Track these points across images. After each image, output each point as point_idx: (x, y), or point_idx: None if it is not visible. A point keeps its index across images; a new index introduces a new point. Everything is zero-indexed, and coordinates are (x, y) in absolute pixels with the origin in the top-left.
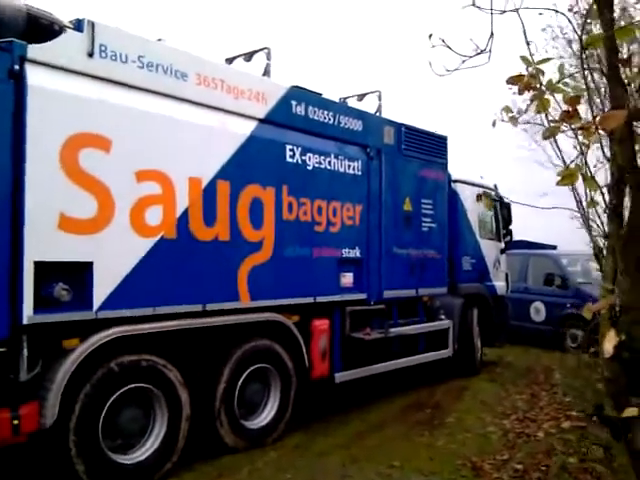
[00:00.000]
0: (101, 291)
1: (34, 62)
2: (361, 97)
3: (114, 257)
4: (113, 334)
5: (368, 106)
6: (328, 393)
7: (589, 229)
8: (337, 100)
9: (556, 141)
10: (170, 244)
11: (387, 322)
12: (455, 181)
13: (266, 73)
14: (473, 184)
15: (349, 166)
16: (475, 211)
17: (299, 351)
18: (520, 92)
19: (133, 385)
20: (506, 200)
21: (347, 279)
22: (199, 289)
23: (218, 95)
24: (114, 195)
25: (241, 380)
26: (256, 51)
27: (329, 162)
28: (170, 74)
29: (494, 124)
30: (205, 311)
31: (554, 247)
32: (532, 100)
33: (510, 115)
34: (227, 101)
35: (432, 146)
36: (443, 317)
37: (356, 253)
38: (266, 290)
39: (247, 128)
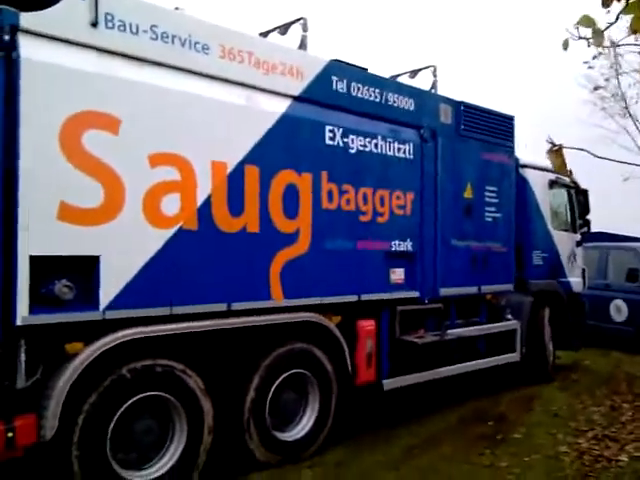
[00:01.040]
0: (109, 289)
1: (28, 32)
2: (414, 74)
3: (125, 250)
4: (123, 337)
5: (422, 84)
6: (375, 402)
7: None
8: (385, 77)
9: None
10: (190, 236)
11: (444, 323)
12: (524, 166)
13: (302, 46)
14: (544, 169)
15: (399, 149)
16: (547, 199)
17: (341, 355)
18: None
19: (147, 393)
20: (583, 187)
21: (397, 275)
22: (224, 286)
23: (246, 70)
24: (124, 181)
25: (274, 387)
26: (292, 22)
27: (376, 145)
28: (189, 46)
29: (566, 46)
30: (230, 311)
31: (638, 239)
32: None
33: (595, 29)
34: (256, 76)
35: (496, 127)
36: (510, 317)
37: (407, 246)
38: (303, 287)
39: (280, 106)
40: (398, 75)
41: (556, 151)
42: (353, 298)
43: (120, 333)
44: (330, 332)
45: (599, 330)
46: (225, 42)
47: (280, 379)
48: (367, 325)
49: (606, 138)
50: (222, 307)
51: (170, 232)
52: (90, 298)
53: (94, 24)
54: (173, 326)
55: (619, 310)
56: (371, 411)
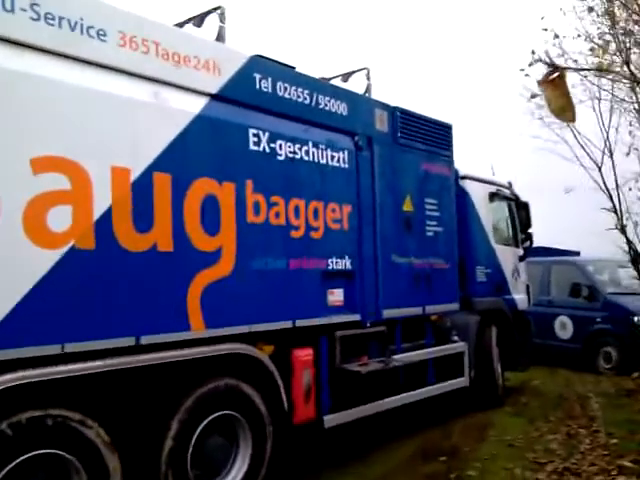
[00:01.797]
0: None
1: None
2: (346, 77)
3: (0, 276)
4: (0, 384)
5: (355, 88)
6: (316, 440)
7: (623, 230)
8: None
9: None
10: (85, 256)
11: (388, 348)
12: (463, 177)
13: (220, 38)
14: (484, 181)
15: (333, 157)
16: (488, 212)
17: (276, 391)
18: None
19: (36, 452)
20: (523, 199)
21: (335, 297)
22: (130, 316)
23: (152, 61)
24: None
25: (196, 434)
26: (207, 12)
27: (307, 152)
28: (80, 30)
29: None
30: (139, 346)
31: (577, 253)
32: None
33: None
34: (164, 69)
35: (435, 135)
36: (456, 339)
37: (346, 264)
38: (227, 314)
39: (194, 105)
40: (330, 78)
41: (553, 80)
42: (287, 324)
43: None
44: (261, 365)
45: (544, 348)
46: (125, 28)
47: (204, 423)
48: (304, 354)
49: (543, 149)
50: (129, 342)
51: (59, 252)
52: None
53: None
54: (66, 367)
55: (564, 327)
56: (311, 451)
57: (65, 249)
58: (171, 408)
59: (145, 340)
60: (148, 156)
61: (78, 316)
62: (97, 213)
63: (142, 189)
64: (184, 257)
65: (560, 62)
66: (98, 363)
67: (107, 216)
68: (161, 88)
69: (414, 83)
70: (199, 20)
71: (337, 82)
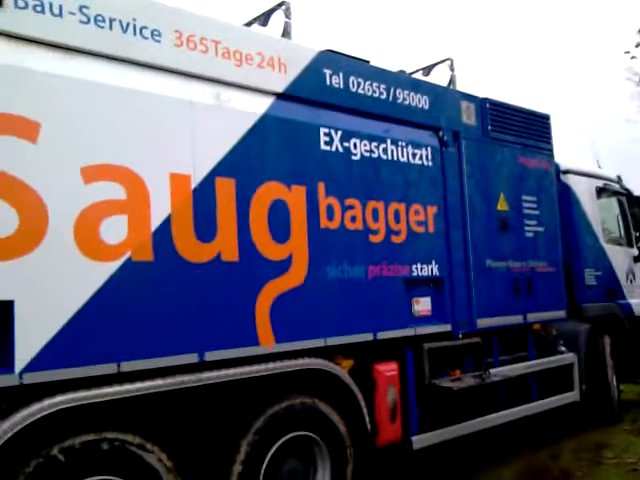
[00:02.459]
0: (29, 343)
1: None
2: (428, 70)
3: (49, 292)
4: (51, 407)
5: (438, 81)
6: (403, 463)
7: None
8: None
9: None
10: (143, 268)
11: (484, 361)
12: (566, 172)
13: (285, 34)
14: (590, 175)
15: (415, 155)
16: (595, 209)
17: (357, 410)
18: None
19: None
20: (636, 194)
21: (422, 305)
22: (193, 331)
23: (211, 61)
24: (46, 202)
25: (269, 457)
26: (272, 10)
27: (385, 150)
28: (133, 32)
29: None
30: (204, 363)
31: None
32: None
33: None
34: (226, 69)
35: (531, 127)
36: (564, 349)
37: (433, 270)
38: (300, 327)
39: (259, 105)
40: (411, 73)
41: None
42: (367, 337)
43: (47, 402)
44: (340, 381)
45: None
46: (182, 27)
47: (277, 445)
48: (388, 369)
49: None
50: (192, 358)
51: (115, 265)
52: (1, 357)
53: None
54: (123, 388)
55: None
56: (399, 476)
57: (121, 261)
58: (240, 430)
59: (209, 356)
60: (209, 161)
61: (135, 332)
62: (155, 223)
63: (204, 196)
64: (251, 267)
65: None
66: (158, 382)
67: (166, 226)
68: (222, 89)
69: (504, 72)
70: (264, 19)
71: (418, 76)
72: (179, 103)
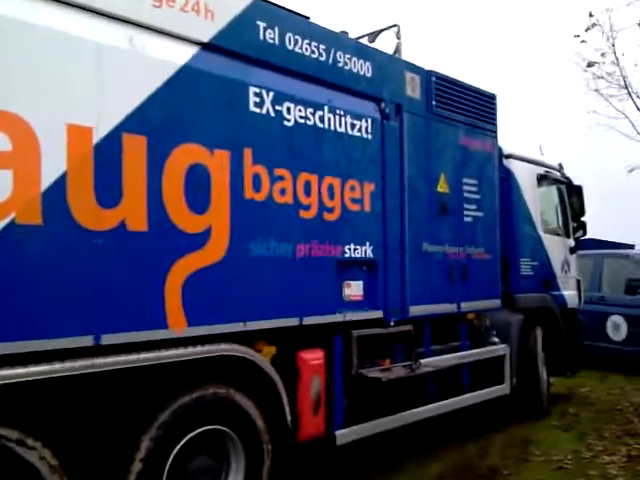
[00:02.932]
0: None
1: None
2: (374, 36)
3: None
4: None
5: (384, 49)
6: (325, 457)
7: None
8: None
9: None
10: (29, 234)
11: (415, 350)
12: (508, 156)
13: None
14: (532, 161)
15: (353, 126)
16: (536, 197)
17: (277, 401)
18: None
19: None
20: (576, 183)
21: (353, 290)
22: (89, 310)
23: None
24: None
25: (174, 454)
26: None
27: (321, 117)
28: None
29: None
30: (100, 346)
31: (632, 246)
32: None
33: None
34: (142, 9)
35: (476, 106)
36: (496, 340)
37: (366, 252)
38: (217, 309)
39: (180, 55)
40: (355, 39)
41: None
42: (292, 322)
43: None
44: (259, 369)
45: (594, 350)
46: None
47: (184, 440)
48: (313, 358)
49: (600, 126)
50: (86, 341)
51: None
52: None
53: None
54: (4, 372)
55: (617, 327)
56: (320, 472)
57: (2, 224)
58: (142, 423)
59: (107, 339)
60: (116, 114)
61: (17, 309)
62: (46, 181)
63: (108, 153)
64: (162, 238)
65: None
66: (43, 368)
67: (59, 185)
68: (137, 32)
69: (450, 48)
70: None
71: (364, 42)
72: (83, 43)
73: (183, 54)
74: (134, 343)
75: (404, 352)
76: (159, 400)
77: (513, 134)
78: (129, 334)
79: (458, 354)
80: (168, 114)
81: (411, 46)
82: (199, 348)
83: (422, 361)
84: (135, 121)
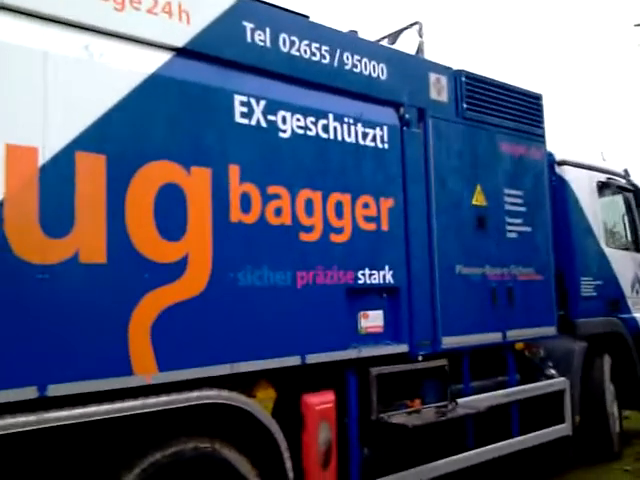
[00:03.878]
0: None
1: None
2: (394, 37)
3: None
4: None
5: (406, 49)
6: None
7: None
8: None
9: None
10: None
11: (451, 388)
12: (561, 163)
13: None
14: (591, 167)
15: (365, 135)
16: (596, 207)
17: (276, 455)
18: None
19: None
20: None
21: (372, 321)
22: (31, 357)
23: (79, 1)
24: None
25: None
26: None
27: (325, 127)
28: None
29: None
30: (46, 399)
31: None
32: None
33: None
34: (100, 13)
35: (517, 108)
36: (553, 373)
37: (386, 277)
38: (196, 350)
39: (148, 63)
40: (377, 41)
41: None
42: (292, 361)
43: None
44: (253, 418)
45: None
46: None
47: None
48: (321, 402)
49: None
50: (29, 393)
51: None
52: None
53: None
54: None
55: None
56: None
57: None
58: None
59: (54, 391)
60: (68, 131)
61: None
62: None
63: (56, 175)
64: (125, 270)
65: None
66: None
67: None
68: (95, 38)
69: (491, 46)
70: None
71: (384, 44)
72: (27, 53)
73: (153, 61)
74: (95, 393)
75: (438, 391)
76: (124, 459)
77: (571, 140)
78: (81, 384)
79: (504, 391)
80: (134, 128)
81: (444, 46)
82: (173, 397)
83: (460, 401)
84: (92, 138)
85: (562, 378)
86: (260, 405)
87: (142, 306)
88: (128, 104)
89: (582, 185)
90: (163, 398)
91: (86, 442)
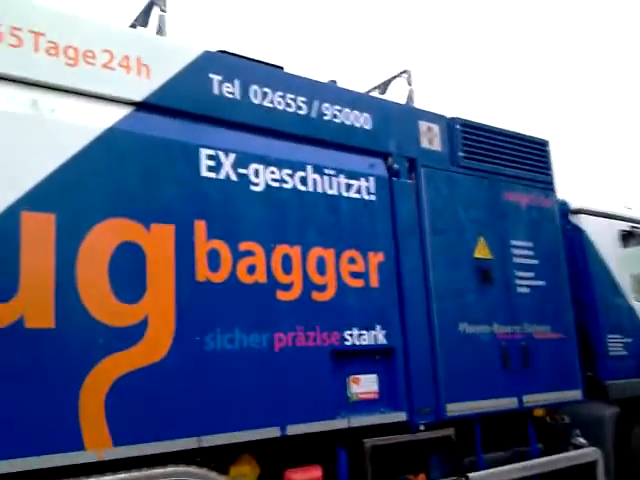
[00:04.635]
0: None
1: None
2: (384, 86)
3: None
4: None
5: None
6: None
7: None
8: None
9: None
10: None
11: (461, 461)
12: (576, 212)
13: (160, 31)
14: (610, 216)
15: (349, 187)
16: (619, 258)
17: None
18: None
19: None
20: None
21: (364, 386)
22: None
23: (26, 57)
24: None
25: None
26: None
27: (303, 179)
28: None
29: None
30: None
31: None
32: None
33: None
34: (51, 69)
35: (521, 155)
36: (582, 442)
37: (377, 337)
38: (159, 421)
39: (104, 118)
40: (369, 91)
41: None
42: (270, 432)
43: None
44: None
45: None
46: None
47: None
48: (306, 479)
49: None
50: None
51: None
52: None
53: None
54: None
55: None
56: None
57: None
58: None
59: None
60: (12, 191)
61: None
62: None
63: None
64: (75, 336)
65: None
66: None
67: None
68: (44, 94)
69: (488, 91)
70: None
71: (374, 95)
72: None
73: (109, 116)
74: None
75: (445, 464)
76: None
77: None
78: (24, 460)
79: (524, 463)
80: (88, 185)
81: (431, 90)
82: (134, 473)
83: (471, 475)
84: (39, 197)
85: (593, 448)
86: None
87: (95, 373)
88: (81, 160)
89: (602, 235)
90: (122, 475)
91: None
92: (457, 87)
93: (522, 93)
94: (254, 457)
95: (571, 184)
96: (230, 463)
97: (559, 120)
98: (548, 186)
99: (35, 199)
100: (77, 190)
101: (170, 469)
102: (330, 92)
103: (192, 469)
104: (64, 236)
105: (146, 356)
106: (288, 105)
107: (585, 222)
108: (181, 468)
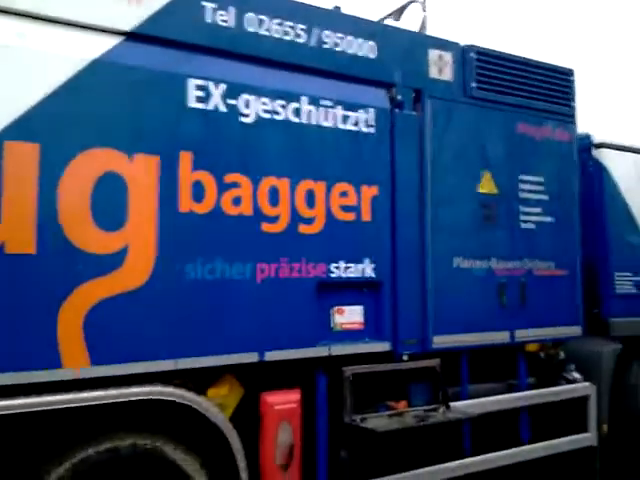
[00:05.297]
0: None
1: None
2: (398, 14)
3: None
4: None
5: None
6: None
7: None
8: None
9: None
10: None
11: (445, 391)
12: (599, 146)
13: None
14: (636, 151)
15: (345, 118)
16: None
17: (229, 460)
18: None
19: None
20: None
21: (348, 317)
22: None
23: None
24: None
25: None
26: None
27: (296, 111)
28: None
29: None
30: None
31: None
32: None
33: None
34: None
35: (541, 85)
36: (577, 377)
37: (365, 270)
38: (135, 344)
39: (91, 48)
40: (383, 19)
41: None
42: (248, 357)
43: None
44: (203, 418)
45: None
46: None
47: None
48: (282, 401)
49: None
50: None
51: None
52: None
53: None
54: None
55: None
56: None
57: None
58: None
59: None
60: None
61: None
62: None
63: None
64: (55, 261)
65: None
66: None
67: None
68: (31, 24)
69: (510, 19)
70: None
71: (389, 22)
72: None
73: (96, 47)
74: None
75: (427, 393)
76: (53, 453)
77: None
78: (2, 376)
79: (507, 396)
80: (72, 116)
81: (451, 19)
82: (112, 391)
83: (453, 404)
84: (23, 127)
85: (586, 383)
86: (212, 402)
87: (74, 298)
88: (66, 91)
89: (624, 170)
90: (94, 393)
91: (11, 436)
92: (476, 15)
93: (546, 20)
94: (237, 380)
95: (598, 117)
96: (209, 386)
97: (587, 51)
98: (568, 119)
99: (18, 129)
100: (62, 121)
101: (146, 389)
102: (332, 19)
103: (169, 389)
104: (48, 165)
105: (125, 282)
106: (285, 33)
107: (608, 157)
108: (157, 388)
